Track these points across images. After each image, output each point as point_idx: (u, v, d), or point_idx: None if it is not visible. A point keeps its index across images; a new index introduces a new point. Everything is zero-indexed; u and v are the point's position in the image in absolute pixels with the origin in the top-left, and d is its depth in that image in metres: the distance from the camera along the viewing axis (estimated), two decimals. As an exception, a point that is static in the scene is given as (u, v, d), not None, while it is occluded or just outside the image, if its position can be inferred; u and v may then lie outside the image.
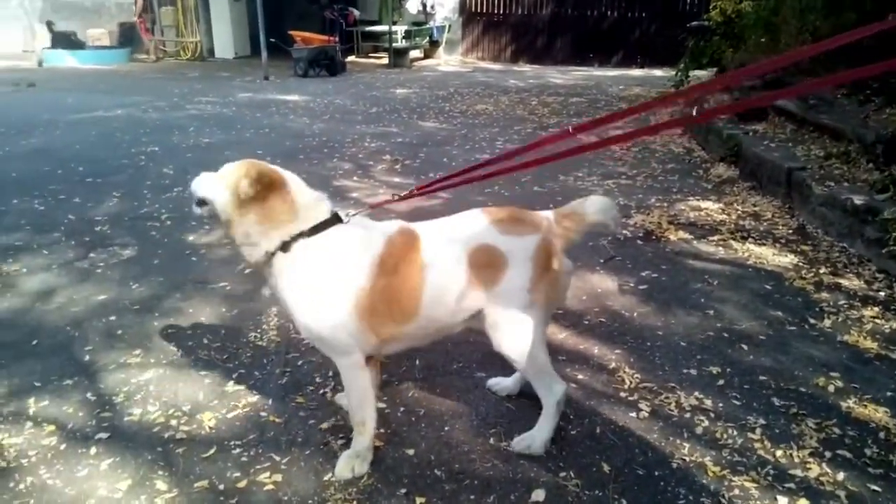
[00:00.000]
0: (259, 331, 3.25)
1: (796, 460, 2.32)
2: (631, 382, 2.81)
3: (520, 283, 2.18)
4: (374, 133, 8.18)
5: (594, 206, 2.27)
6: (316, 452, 2.38)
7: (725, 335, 3.19)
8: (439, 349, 3.06)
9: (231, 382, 2.81)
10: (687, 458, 2.34)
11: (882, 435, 2.43)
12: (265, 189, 2.06)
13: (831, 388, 2.73)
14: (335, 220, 2.17)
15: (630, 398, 2.70)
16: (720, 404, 2.65)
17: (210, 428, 2.51)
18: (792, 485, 2.20)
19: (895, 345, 3.04)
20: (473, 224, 2.24)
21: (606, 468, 2.29)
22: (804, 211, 4.68)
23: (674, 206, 5.13)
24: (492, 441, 2.45)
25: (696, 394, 2.72)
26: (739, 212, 4.96)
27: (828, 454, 2.34)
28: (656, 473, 2.27)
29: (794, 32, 6.83)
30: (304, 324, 2.16)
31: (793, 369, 2.89)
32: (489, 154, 7.12)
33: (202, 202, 2.16)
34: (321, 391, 2.75)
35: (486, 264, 2.16)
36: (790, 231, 4.53)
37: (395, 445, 2.42)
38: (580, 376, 2.85)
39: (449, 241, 2.21)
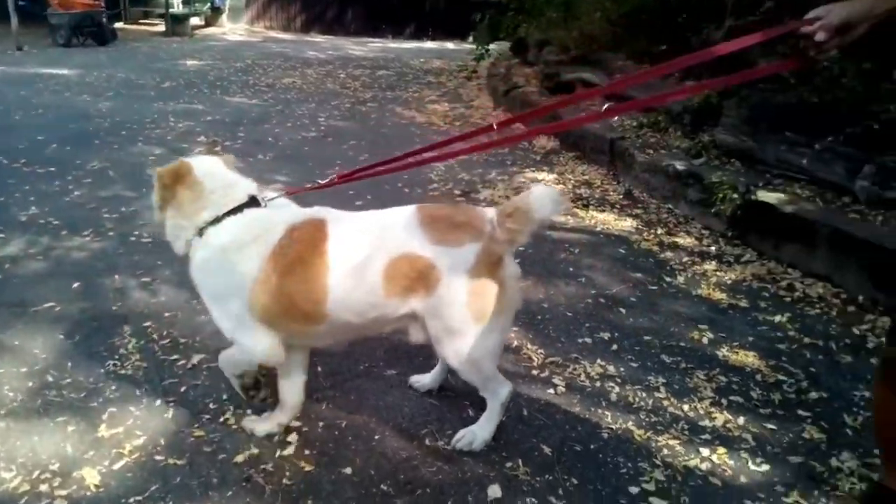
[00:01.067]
0: (117, 357, 2.74)
1: (701, 412, 2.54)
2: (537, 359, 2.86)
3: (457, 298, 1.98)
4: (177, 111, 7.34)
5: (540, 201, 1.97)
6: (240, 492, 2.08)
7: (602, 301, 3.39)
8: (337, 352, 2.85)
9: (103, 425, 2.33)
10: (613, 427, 2.45)
11: (759, 377, 2.76)
12: (172, 184, 2.05)
13: (705, 340, 3.04)
14: (252, 203, 2.07)
15: (542, 374, 2.75)
16: (621, 368, 2.81)
17: (96, 486, 2.06)
18: (707, 436, 2.40)
19: (739, 294, 3.47)
20: (401, 226, 2.01)
21: (547, 450, 2.31)
22: (629, 177, 5.13)
23: (514, 179, 5.32)
24: (427, 442, 2.34)
25: (599, 361, 2.85)
26: (573, 181, 5.30)
27: (724, 402, 2.60)
28: (592, 447, 2.34)
29: (590, 11, 7.39)
30: (209, 310, 2.11)
31: (668, 326, 3.16)
32: (315, 131, 6.79)
33: None
34: (220, 419, 2.40)
35: (413, 275, 1.97)
36: (620, 196, 4.94)
37: (328, 467, 2.20)
38: (489, 360, 2.84)
39: (366, 244, 1.99)
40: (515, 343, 2.98)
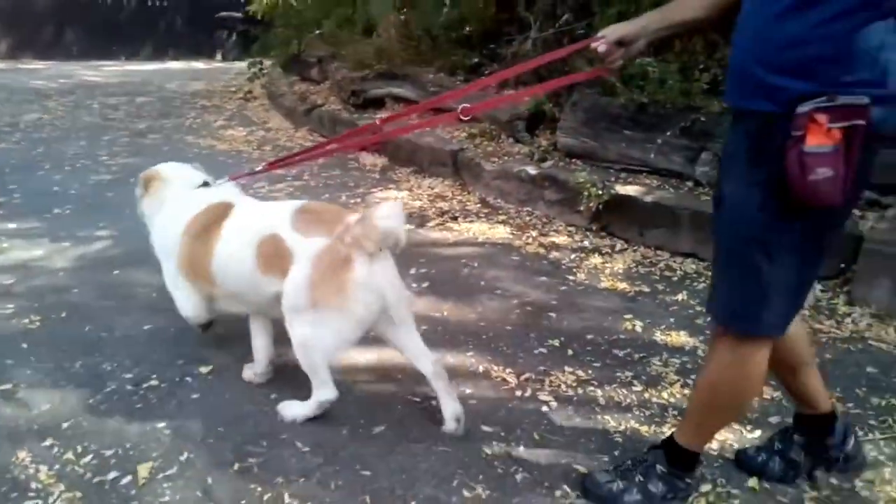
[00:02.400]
0: (34, 494, 2.05)
1: (679, 397, 2.71)
2: (511, 379, 2.81)
3: (299, 282, 2.25)
4: None
5: (381, 213, 2.23)
6: None
7: (529, 309, 3.44)
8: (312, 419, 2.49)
9: None
10: (620, 429, 2.49)
11: (700, 353, 3.03)
12: (146, 183, 2.74)
13: (638, 329, 3.25)
14: (204, 186, 2.70)
15: (526, 394, 2.71)
16: (589, 371, 2.88)
17: None
18: (698, 417, 2.58)
19: (636, 280, 3.78)
20: (280, 213, 2.40)
21: (584, 470, 2.26)
22: (478, 186, 5.27)
23: (368, 201, 5.15)
24: (466, 493, 2.14)
25: (567, 368, 2.88)
26: (426, 196, 5.29)
27: (690, 382, 2.80)
28: (616, 454, 2.36)
29: (386, 27, 7.43)
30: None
31: (600, 322, 3.32)
32: (106, 173, 5.85)
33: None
34: (223, 536, 1.94)
35: (275, 254, 2.31)
36: (478, 205, 5.07)
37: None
38: (468, 391, 2.71)
39: (250, 222, 2.45)
40: (480, 368, 2.89)
